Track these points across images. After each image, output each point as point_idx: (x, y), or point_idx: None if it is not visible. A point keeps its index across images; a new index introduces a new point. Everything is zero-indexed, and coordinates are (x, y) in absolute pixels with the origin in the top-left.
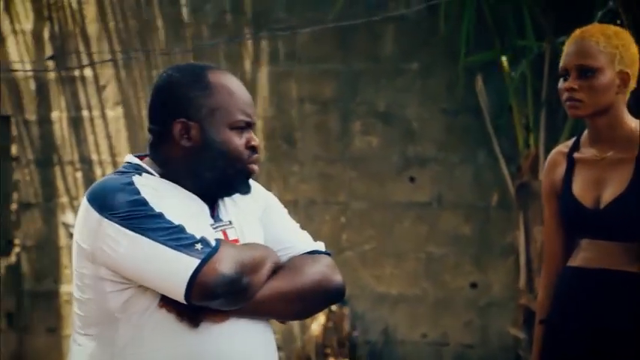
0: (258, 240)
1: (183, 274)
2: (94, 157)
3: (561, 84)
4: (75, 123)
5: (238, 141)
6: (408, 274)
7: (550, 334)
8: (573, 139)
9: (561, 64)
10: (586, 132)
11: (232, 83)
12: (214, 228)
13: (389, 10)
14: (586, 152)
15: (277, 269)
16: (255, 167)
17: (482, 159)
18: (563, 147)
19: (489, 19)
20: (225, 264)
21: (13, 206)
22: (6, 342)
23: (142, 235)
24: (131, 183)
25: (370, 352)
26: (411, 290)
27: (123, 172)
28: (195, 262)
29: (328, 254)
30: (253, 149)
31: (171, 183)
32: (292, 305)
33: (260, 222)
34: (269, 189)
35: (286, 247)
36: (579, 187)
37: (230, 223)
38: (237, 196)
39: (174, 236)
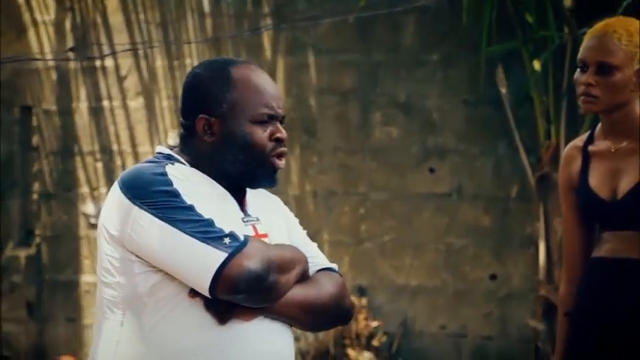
0: (284, 238)
1: (210, 267)
2: (115, 147)
3: (578, 75)
4: (95, 113)
5: (261, 134)
6: (427, 265)
7: (575, 326)
8: (587, 133)
9: (580, 55)
10: (600, 125)
11: (256, 77)
12: (244, 222)
13: (410, 1)
14: (600, 145)
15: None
16: (279, 162)
17: (502, 150)
18: (578, 141)
19: (511, 9)
20: (253, 260)
21: (34, 196)
22: (26, 332)
23: (172, 225)
24: (164, 173)
25: (389, 343)
26: (430, 281)
27: (155, 162)
28: (222, 256)
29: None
30: (278, 141)
31: (202, 174)
32: (310, 316)
33: (286, 226)
34: (288, 180)
35: (309, 256)
36: (596, 180)
37: (257, 219)
38: (262, 197)
39: (203, 229)
